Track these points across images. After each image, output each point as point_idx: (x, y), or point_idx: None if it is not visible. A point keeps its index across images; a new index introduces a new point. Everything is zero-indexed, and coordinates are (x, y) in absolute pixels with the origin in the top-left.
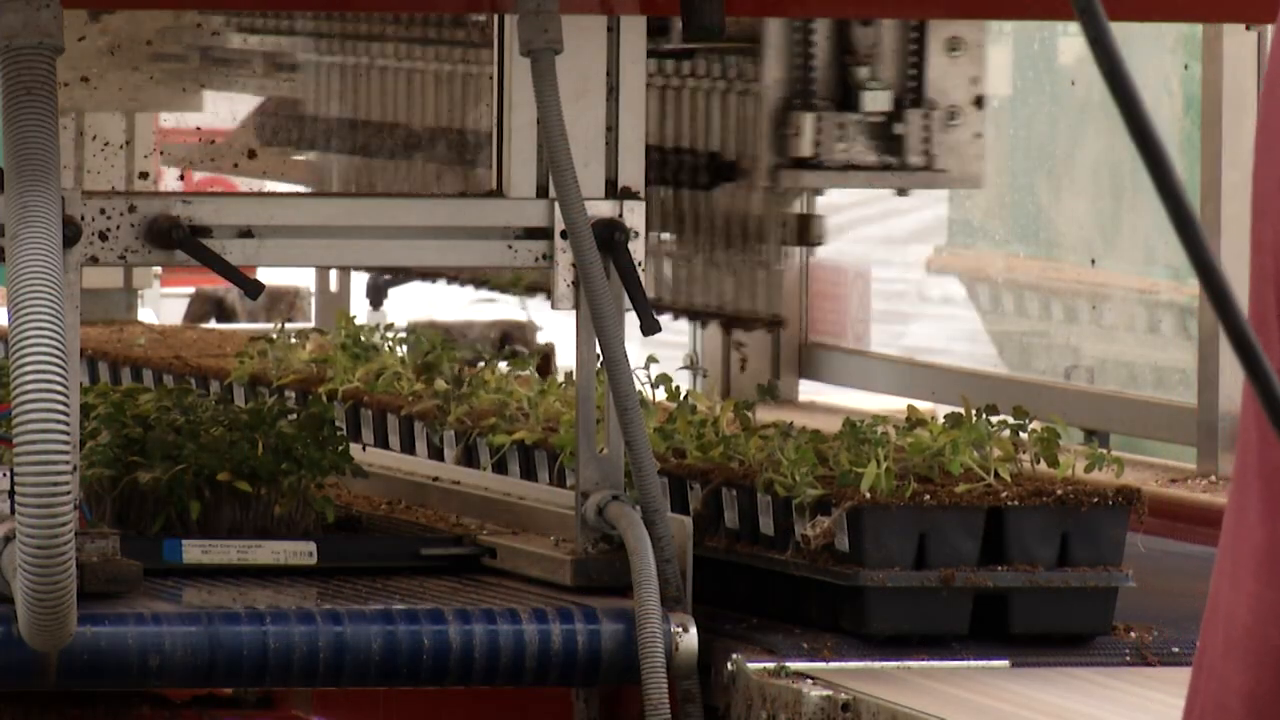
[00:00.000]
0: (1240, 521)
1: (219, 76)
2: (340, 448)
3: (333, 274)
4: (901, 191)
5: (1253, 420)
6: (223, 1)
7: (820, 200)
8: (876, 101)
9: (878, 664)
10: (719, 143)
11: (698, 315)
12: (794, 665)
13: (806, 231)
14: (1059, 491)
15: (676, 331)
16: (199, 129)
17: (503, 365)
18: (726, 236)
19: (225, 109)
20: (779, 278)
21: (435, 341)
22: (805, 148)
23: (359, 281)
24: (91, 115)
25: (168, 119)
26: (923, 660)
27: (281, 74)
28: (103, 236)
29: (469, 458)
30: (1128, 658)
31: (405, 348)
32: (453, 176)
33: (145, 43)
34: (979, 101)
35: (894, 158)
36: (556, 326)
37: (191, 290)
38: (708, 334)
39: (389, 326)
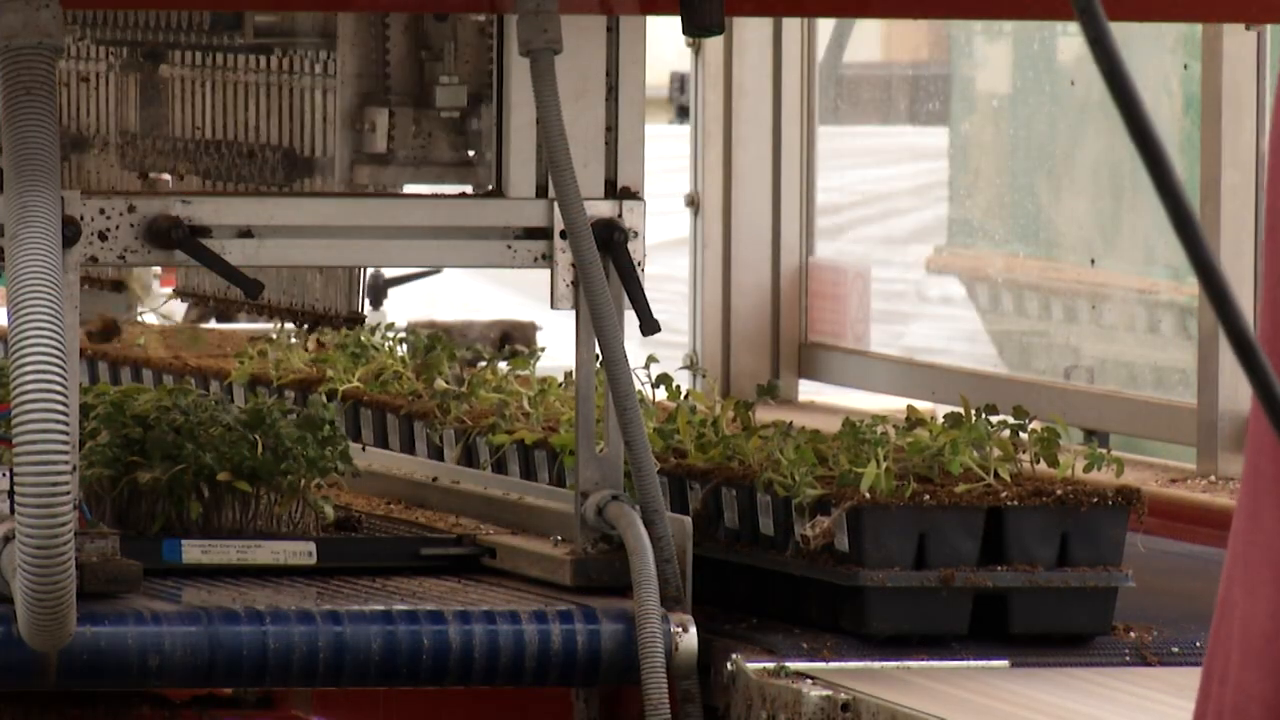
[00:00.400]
0: (1255, 527)
1: None
2: (340, 448)
3: None
4: (478, 191)
5: (1265, 424)
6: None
7: (820, 200)
8: (451, 97)
9: (877, 664)
10: (294, 138)
11: (277, 314)
12: (794, 665)
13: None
14: (1059, 491)
15: (677, 331)
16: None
17: (503, 365)
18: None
19: None
20: (358, 275)
21: (435, 342)
22: (380, 143)
23: None
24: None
25: None
26: (923, 660)
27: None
28: (102, 236)
29: (469, 458)
30: (1127, 658)
31: (405, 347)
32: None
33: None
34: None
35: (470, 154)
36: (556, 326)
37: None
38: (708, 334)
39: (389, 326)
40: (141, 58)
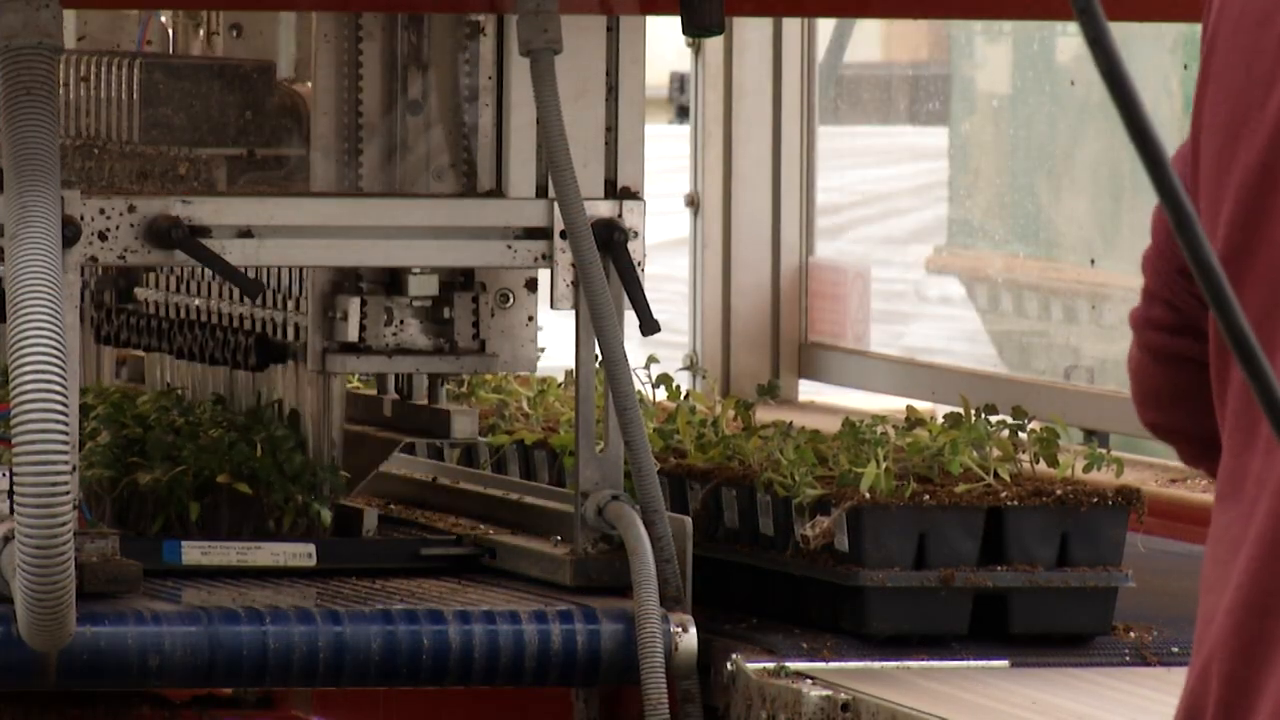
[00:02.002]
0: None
1: None
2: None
3: None
4: (452, 379)
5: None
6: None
7: (820, 200)
8: (423, 286)
9: (877, 664)
10: (267, 323)
11: None
12: (794, 665)
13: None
14: (1059, 491)
15: (677, 331)
16: None
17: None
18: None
19: None
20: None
21: None
22: (351, 332)
23: None
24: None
25: None
26: (922, 660)
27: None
28: (102, 237)
29: (469, 458)
30: (1127, 658)
31: None
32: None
33: None
34: (530, 285)
35: (445, 341)
36: (556, 326)
37: None
38: (708, 334)
39: None
40: None
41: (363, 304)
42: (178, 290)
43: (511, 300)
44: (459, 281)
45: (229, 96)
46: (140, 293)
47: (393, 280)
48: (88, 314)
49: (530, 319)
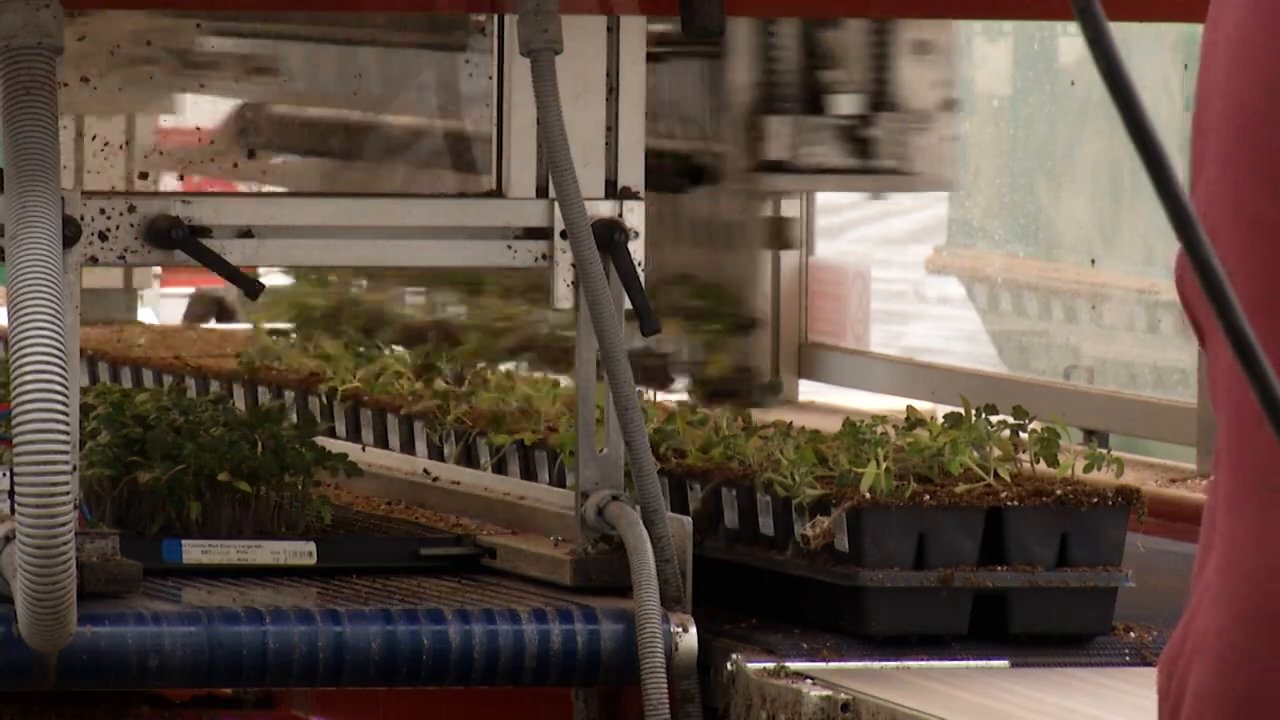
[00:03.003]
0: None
1: (194, 79)
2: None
3: None
4: (875, 195)
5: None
6: (218, 3)
7: (820, 200)
8: (845, 105)
9: (877, 664)
10: (690, 146)
11: (673, 316)
12: (794, 665)
13: (780, 235)
14: (1059, 492)
15: None
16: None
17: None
18: (702, 239)
19: (205, 111)
20: (754, 280)
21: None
22: (777, 151)
23: None
24: (92, 115)
25: (167, 119)
26: (922, 660)
27: (262, 76)
28: (102, 236)
29: (469, 458)
30: (1127, 658)
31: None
32: (448, 179)
33: (115, 47)
34: (949, 104)
35: (864, 161)
36: None
37: (191, 290)
38: None
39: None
40: None
41: (786, 123)
42: None
43: (929, 120)
44: (879, 102)
45: None
46: None
47: (812, 99)
48: None
49: (947, 138)
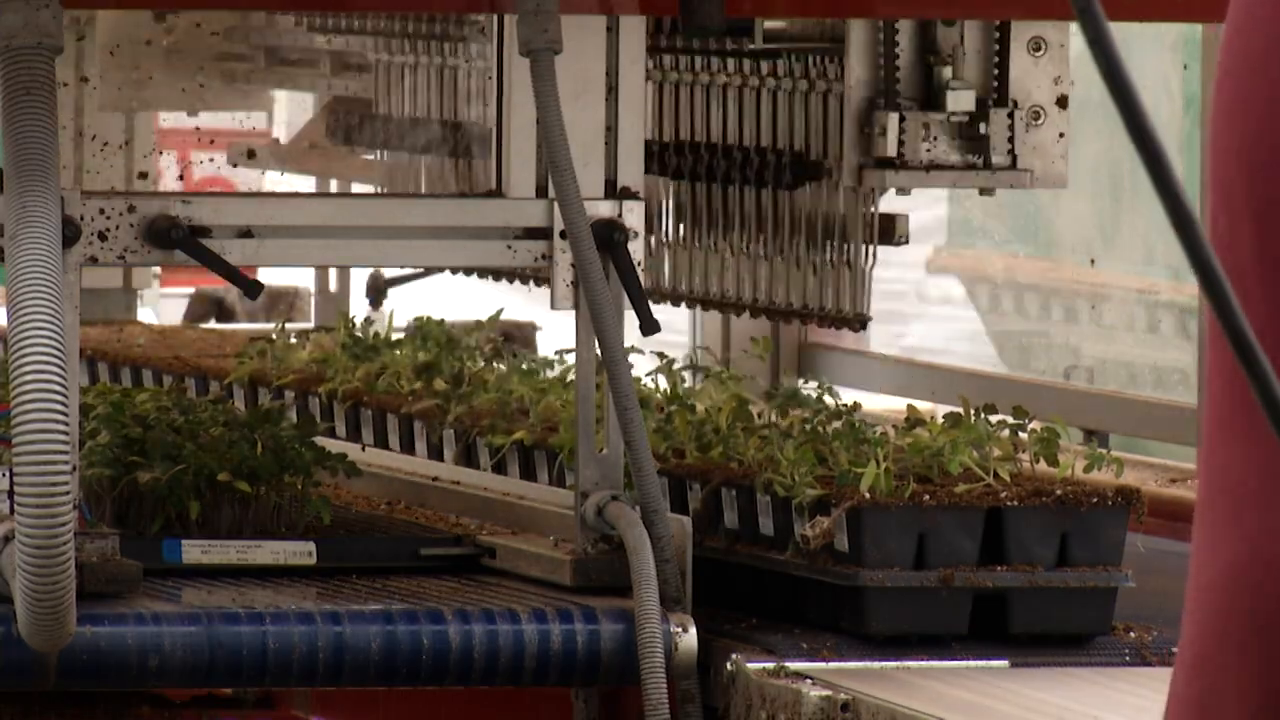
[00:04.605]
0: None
1: (285, 76)
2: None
3: (332, 274)
4: (985, 191)
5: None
6: (240, 2)
7: None
8: (960, 101)
9: (877, 664)
10: (801, 142)
11: (777, 314)
12: (793, 665)
13: (890, 231)
14: (1058, 491)
15: (677, 331)
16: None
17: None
18: (809, 235)
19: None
20: (862, 277)
21: (438, 337)
22: (890, 147)
23: (359, 281)
24: (91, 115)
25: (167, 119)
26: (922, 660)
27: (347, 74)
28: (102, 236)
29: (469, 458)
30: (1127, 658)
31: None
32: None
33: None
34: (1062, 101)
35: (978, 157)
36: (556, 326)
37: (191, 290)
38: (708, 331)
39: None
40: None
41: (900, 120)
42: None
43: (1044, 118)
44: (993, 99)
45: None
46: None
47: (928, 96)
48: None
49: (1061, 135)
